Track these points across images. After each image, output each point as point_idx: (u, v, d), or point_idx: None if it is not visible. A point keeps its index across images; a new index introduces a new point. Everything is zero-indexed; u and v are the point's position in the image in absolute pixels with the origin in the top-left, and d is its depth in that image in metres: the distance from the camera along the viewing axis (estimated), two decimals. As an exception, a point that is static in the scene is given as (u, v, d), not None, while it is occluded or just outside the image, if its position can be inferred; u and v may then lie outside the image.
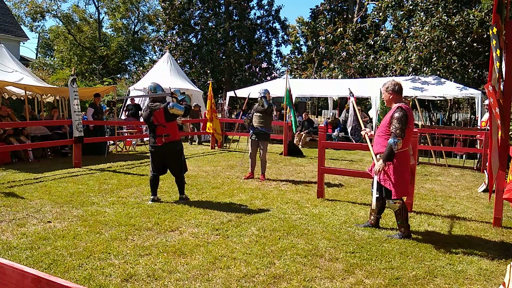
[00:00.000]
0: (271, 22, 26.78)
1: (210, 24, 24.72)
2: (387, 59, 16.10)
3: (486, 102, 9.09)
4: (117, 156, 10.20)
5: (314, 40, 21.21)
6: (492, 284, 3.27)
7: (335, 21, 19.84)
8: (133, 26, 38.70)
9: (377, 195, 4.40)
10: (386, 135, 4.17)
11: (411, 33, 15.33)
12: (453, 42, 14.23)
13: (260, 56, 25.81)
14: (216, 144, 12.51)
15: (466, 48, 14.66)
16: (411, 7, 15.63)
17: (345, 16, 22.54)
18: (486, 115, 9.12)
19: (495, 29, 4.09)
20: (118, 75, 33.17)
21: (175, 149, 5.47)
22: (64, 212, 4.91)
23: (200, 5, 24.78)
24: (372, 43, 17.04)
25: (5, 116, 8.92)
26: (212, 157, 10.41)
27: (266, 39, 26.87)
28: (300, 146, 12.63)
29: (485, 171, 6.88)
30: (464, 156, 10.91)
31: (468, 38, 14.25)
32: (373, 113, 13.33)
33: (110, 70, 32.51)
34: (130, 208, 5.15)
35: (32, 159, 8.90)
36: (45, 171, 7.64)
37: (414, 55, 14.81)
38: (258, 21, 26.52)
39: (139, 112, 13.18)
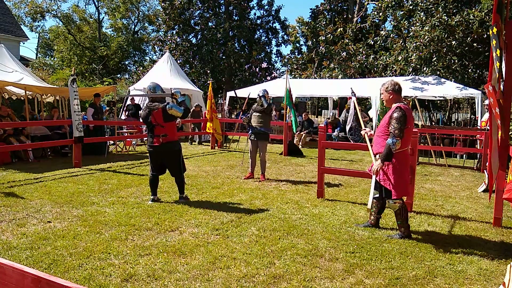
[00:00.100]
0: (271, 22, 26.79)
1: (210, 24, 24.73)
2: (387, 59, 16.10)
3: (486, 102, 9.09)
4: (117, 156, 10.20)
5: (314, 40, 21.21)
6: (492, 284, 3.27)
7: (335, 21, 19.84)
8: (133, 26, 38.72)
9: (377, 195, 4.41)
10: (385, 135, 4.17)
11: (411, 33, 15.33)
12: (453, 42, 14.23)
13: (260, 56, 25.82)
14: (216, 144, 12.51)
15: (466, 48, 14.66)
16: (411, 7, 15.63)
17: (345, 16, 22.54)
18: (486, 115, 9.12)
19: (495, 29, 4.09)
20: (118, 75, 33.15)
21: (173, 150, 5.46)
22: (64, 212, 4.91)
23: (200, 5, 24.78)
24: (372, 43, 17.04)
25: (5, 116, 8.92)
26: (212, 157, 10.41)
27: (266, 39, 26.88)
28: (300, 146, 12.63)
29: (485, 171, 6.88)
30: (464, 156, 10.91)
31: (468, 38, 14.26)
32: (373, 113, 13.33)
33: (110, 70, 32.50)
34: (130, 208, 5.15)
35: (32, 159, 8.90)
36: (45, 171, 7.64)
37: (414, 55, 14.81)
38: (258, 21, 26.53)
39: (139, 112, 13.19)
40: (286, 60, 25.27)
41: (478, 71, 16.14)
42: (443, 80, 14.06)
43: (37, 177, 7.06)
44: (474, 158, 10.41)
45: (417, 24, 14.95)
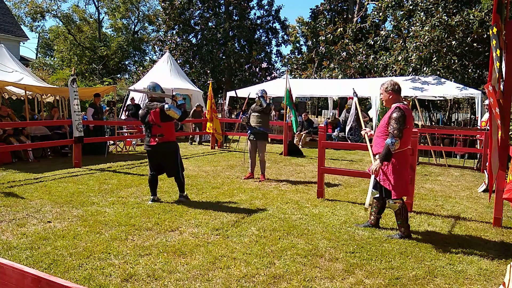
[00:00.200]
0: (271, 22, 26.79)
1: (210, 24, 24.73)
2: (387, 59, 16.10)
3: (486, 102, 9.09)
4: (117, 156, 10.20)
5: (314, 40, 21.22)
6: (492, 284, 3.27)
7: (335, 21, 19.85)
8: (133, 26, 38.72)
9: (377, 195, 4.41)
10: (385, 135, 4.17)
11: (411, 33, 15.33)
12: (453, 42, 14.23)
13: (260, 56, 25.82)
14: (216, 144, 12.51)
15: (466, 48, 14.66)
16: (411, 7, 15.63)
17: (345, 16, 22.54)
18: (486, 115, 9.12)
19: (495, 29, 4.09)
20: (118, 75, 33.16)
21: (169, 150, 5.45)
22: (64, 212, 4.91)
23: (200, 5, 24.78)
24: (372, 43, 17.03)
25: (5, 116, 8.92)
26: (212, 157, 10.41)
27: (266, 39, 26.88)
28: (300, 146, 12.63)
29: (485, 171, 6.88)
30: (465, 155, 10.92)
31: (468, 38, 14.26)
32: (373, 113, 13.33)
33: (110, 70, 32.51)
34: (130, 208, 5.15)
35: (32, 159, 8.90)
36: (45, 171, 7.64)
37: (414, 55, 14.81)
38: (258, 21, 26.53)
39: (139, 112, 13.18)
40: (286, 60, 25.28)
41: (478, 71, 16.14)
42: (443, 80, 14.06)
43: (37, 177, 7.06)
44: (474, 158, 10.41)
45: (417, 24, 14.95)
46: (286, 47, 66.49)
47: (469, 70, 15.66)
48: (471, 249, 4.00)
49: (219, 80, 24.68)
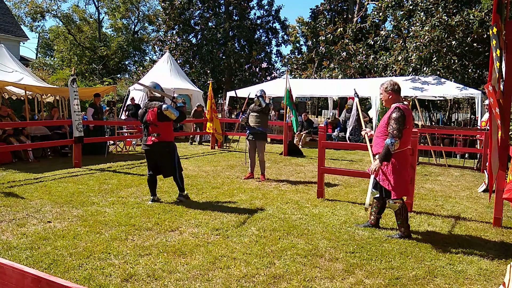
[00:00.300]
0: (271, 22, 26.79)
1: (210, 24, 24.73)
2: (387, 59, 16.10)
3: (486, 102, 9.09)
4: (117, 156, 10.21)
5: (314, 40, 21.21)
6: (492, 284, 3.27)
7: (335, 21, 19.85)
8: (133, 26, 38.73)
9: (377, 195, 4.41)
10: (384, 135, 4.17)
11: (411, 33, 15.33)
12: (453, 42, 14.23)
13: (260, 56, 25.83)
14: (216, 144, 12.51)
15: (466, 48, 14.66)
16: (411, 7, 15.63)
17: (345, 16, 22.55)
18: (486, 115, 9.12)
19: (495, 29, 4.09)
20: (118, 75, 33.16)
21: (165, 150, 5.44)
22: (64, 212, 4.91)
23: (200, 5, 24.79)
24: (372, 43, 17.03)
25: (5, 116, 8.92)
26: (212, 157, 10.41)
27: (266, 39, 26.88)
28: (300, 146, 12.63)
29: (485, 171, 6.88)
30: (467, 155, 10.91)
31: (468, 38, 14.26)
32: (373, 113, 13.33)
33: (110, 70, 32.51)
34: (130, 208, 5.15)
35: (32, 159, 8.90)
36: (45, 171, 7.64)
37: (414, 55, 14.81)
38: (258, 21, 26.54)
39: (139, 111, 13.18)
40: (286, 60, 25.27)
41: (478, 71, 16.14)
42: (443, 80, 14.06)
43: (37, 177, 7.06)
44: (474, 158, 10.41)
45: (417, 24, 14.95)
46: (286, 47, 66.60)
47: (469, 70, 15.66)
48: (471, 249, 4.00)
49: (219, 80, 24.68)
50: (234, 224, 4.58)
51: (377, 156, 4.23)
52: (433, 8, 14.77)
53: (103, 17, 38.84)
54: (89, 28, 36.12)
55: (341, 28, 18.10)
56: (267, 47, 26.57)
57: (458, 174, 8.77)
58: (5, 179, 6.79)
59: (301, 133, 13.84)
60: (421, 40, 14.47)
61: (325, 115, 28.81)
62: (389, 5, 16.42)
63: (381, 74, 16.79)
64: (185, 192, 5.70)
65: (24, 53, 43.88)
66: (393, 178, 4.13)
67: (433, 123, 18.87)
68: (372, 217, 4.61)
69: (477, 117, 12.30)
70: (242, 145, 12.35)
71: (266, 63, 26.85)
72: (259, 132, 7.36)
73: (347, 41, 17.53)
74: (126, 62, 36.71)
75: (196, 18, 25.02)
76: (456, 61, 15.17)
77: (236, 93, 14.25)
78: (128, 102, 14.50)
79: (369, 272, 3.40)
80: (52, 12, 35.40)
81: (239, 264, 3.48)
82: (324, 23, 20.38)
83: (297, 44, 28.72)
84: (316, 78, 19.28)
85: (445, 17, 14.05)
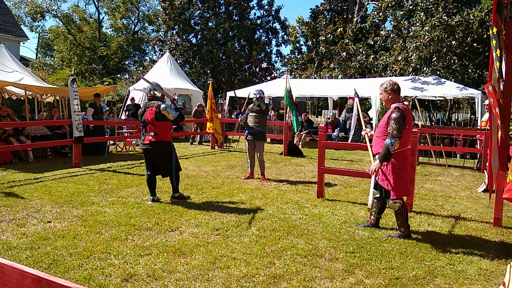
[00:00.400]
0: (271, 22, 26.79)
1: (210, 24, 24.73)
2: (387, 59, 16.10)
3: (486, 102, 9.09)
4: (117, 156, 10.21)
5: (314, 40, 21.21)
6: (492, 284, 3.27)
7: (335, 21, 19.84)
8: (133, 26, 38.73)
9: (377, 195, 4.41)
10: (384, 135, 4.17)
11: (411, 33, 15.33)
12: (453, 42, 14.23)
13: (260, 56, 25.82)
14: (216, 144, 12.51)
15: (466, 48, 14.66)
16: (411, 7, 15.63)
17: (345, 16, 22.55)
18: (486, 115, 9.11)
19: (495, 29, 4.09)
20: (118, 75, 33.16)
21: (162, 150, 5.41)
22: (64, 212, 4.91)
23: (200, 5, 24.79)
24: (372, 43, 17.03)
25: (5, 116, 8.92)
26: (212, 157, 10.41)
27: (266, 39, 26.88)
28: (300, 146, 12.63)
29: (485, 171, 6.88)
30: (469, 155, 10.91)
31: (468, 38, 14.26)
32: (373, 113, 13.33)
33: (110, 70, 32.51)
34: (130, 208, 5.15)
35: (32, 159, 8.90)
36: (45, 171, 7.64)
37: (414, 55, 14.81)
38: (258, 21, 26.54)
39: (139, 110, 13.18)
40: (286, 60, 25.26)
41: (478, 71, 16.14)
42: (443, 80, 14.06)
43: (37, 177, 7.06)
44: (474, 158, 10.42)
45: (417, 24, 14.95)
46: (286, 47, 66.60)
47: (469, 70, 15.66)
48: (471, 249, 4.00)
49: (219, 80, 24.68)
50: (234, 224, 4.58)
51: (377, 156, 4.23)
52: (433, 8, 14.77)
53: (103, 17, 38.91)
54: (89, 28, 36.13)
55: (341, 28, 18.10)
56: (267, 47, 26.58)
57: (458, 174, 8.77)
58: (5, 179, 6.79)
59: (301, 133, 13.84)
60: (421, 40, 14.47)
61: (325, 115, 28.80)
62: (389, 5, 16.42)
63: (381, 74, 16.79)
64: (177, 194, 5.62)
65: (24, 53, 43.93)
66: (393, 178, 4.13)
67: (433, 123, 18.87)
68: (372, 217, 4.61)
69: (477, 117, 12.30)
70: (242, 145, 12.35)
71: (266, 63, 26.86)
72: (258, 132, 7.36)
73: (347, 41, 17.53)
74: (126, 62, 36.70)
75: (196, 18, 25.03)
76: (456, 61, 15.17)
77: (235, 93, 14.25)
78: (128, 102, 14.50)
79: (369, 272, 3.40)
80: (52, 12, 35.44)
81: (239, 264, 3.48)
82: (324, 23, 20.37)
83: (297, 44, 28.73)
84: (316, 78, 19.28)
85: (445, 17, 14.05)
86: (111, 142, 11.32)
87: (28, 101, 10.31)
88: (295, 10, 77.69)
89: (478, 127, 10.60)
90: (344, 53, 17.38)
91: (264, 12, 26.55)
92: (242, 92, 15.87)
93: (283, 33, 27.58)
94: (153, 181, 5.56)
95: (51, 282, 1.38)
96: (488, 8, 13.04)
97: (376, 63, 16.56)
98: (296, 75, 22.36)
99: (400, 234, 4.26)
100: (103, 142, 10.37)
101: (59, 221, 4.53)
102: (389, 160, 4.11)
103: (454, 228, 4.72)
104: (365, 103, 20.41)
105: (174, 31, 24.99)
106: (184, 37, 24.82)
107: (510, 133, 4.90)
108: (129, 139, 11.63)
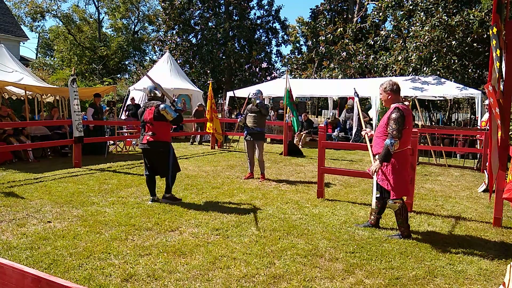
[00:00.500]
0: (271, 22, 26.78)
1: (210, 24, 24.73)
2: (387, 59, 16.09)
3: (486, 102, 9.09)
4: (117, 156, 10.21)
5: (314, 40, 21.20)
6: (492, 284, 3.27)
7: (335, 21, 19.84)
8: (133, 26, 38.73)
9: (378, 195, 4.41)
10: (384, 135, 4.17)
11: (411, 33, 15.33)
12: (453, 42, 14.23)
13: (260, 56, 25.81)
14: (216, 144, 12.51)
15: (466, 48, 14.66)
16: (411, 7, 15.62)
17: (345, 16, 22.54)
18: (486, 115, 9.11)
19: (495, 29, 4.09)
20: (118, 75, 33.17)
21: (160, 150, 5.40)
22: (64, 212, 4.91)
23: (200, 5, 24.78)
24: (372, 43, 17.03)
25: (5, 116, 8.92)
26: (212, 157, 10.41)
27: (266, 39, 26.87)
28: (300, 146, 12.63)
29: (485, 171, 6.88)
30: (470, 155, 10.90)
31: (468, 38, 14.25)
32: (373, 113, 13.33)
33: (110, 70, 32.51)
34: (130, 208, 5.15)
35: (32, 159, 8.90)
36: (45, 171, 7.64)
37: (414, 55, 14.81)
38: (258, 21, 26.52)
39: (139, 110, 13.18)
40: (286, 60, 25.25)
41: (478, 71, 16.14)
42: (443, 80, 14.06)
43: (37, 177, 7.06)
44: (474, 158, 10.42)
45: (417, 24, 14.95)
46: (286, 47, 66.62)
47: (469, 70, 15.65)
48: (471, 249, 4.00)
49: (219, 80, 24.67)
50: (234, 224, 4.58)
51: (377, 157, 4.23)
52: (433, 8, 14.77)
53: (103, 17, 38.91)
54: (89, 28, 36.12)
55: (341, 28, 18.10)
56: (267, 47, 26.57)
57: (458, 174, 8.77)
58: (5, 179, 6.79)
59: (301, 133, 13.84)
60: (421, 40, 14.46)
61: (325, 115, 28.80)
62: (389, 5, 16.41)
63: (381, 74, 16.79)
64: (169, 195, 5.59)
65: (24, 53, 43.92)
66: (393, 178, 4.13)
67: (433, 123, 18.87)
68: (372, 217, 4.61)
69: (477, 117, 12.30)
70: (242, 145, 12.34)
71: (266, 63, 26.84)
72: (257, 132, 7.36)
73: (347, 41, 17.53)
74: (126, 62, 36.70)
75: (196, 18, 25.02)
76: (456, 61, 15.17)
77: (234, 94, 14.24)
78: (128, 102, 14.50)
79: (369, 272, 3.40)
80: (52, 12, 35.44)
81: (239, 264, 3.48)
82: (324, 23, 20.37)
83: (297, 44, 28.72)
84: (316, 78, 19.28)
85: (445, 17, 14.05)
86: (111, 142, 11.32)
87: (28, 101, 10.31)
88: (295, 10, 77.76)
89: (478, 127, 10.60)
90: (344, 53, 17.38)
91: (264, 12, 26.55)
92: (242, 92, 15.86)
93: (283, 33, 27.58)
94: (153, 181, 5.56)
95: (51, 282, 1.38)
96: (488, 8, 13.04)
97: (376, 63, 16.56)
98: (296, 75, 22.35)
99: (400, 234, 4.26)
100: (103, 142, 10.37)
101: (59, 221, 4.53)
102: (389, 161, 4.11)
103: (454, 228, 4.72)
104: (365, 103, 20.40)
105: (174, 31, 24.99)
106: (184, 37, 24.82)
107: (510, 133, 4.90)
108: (129, 139, 11.63)
